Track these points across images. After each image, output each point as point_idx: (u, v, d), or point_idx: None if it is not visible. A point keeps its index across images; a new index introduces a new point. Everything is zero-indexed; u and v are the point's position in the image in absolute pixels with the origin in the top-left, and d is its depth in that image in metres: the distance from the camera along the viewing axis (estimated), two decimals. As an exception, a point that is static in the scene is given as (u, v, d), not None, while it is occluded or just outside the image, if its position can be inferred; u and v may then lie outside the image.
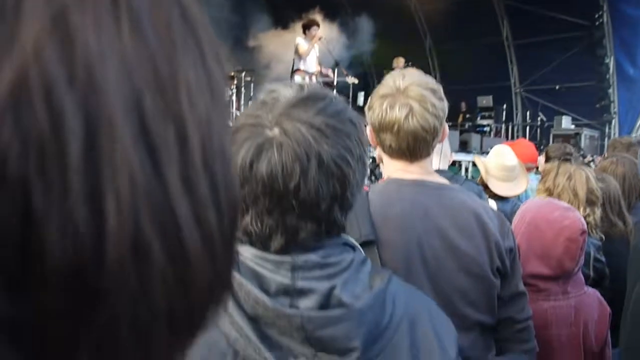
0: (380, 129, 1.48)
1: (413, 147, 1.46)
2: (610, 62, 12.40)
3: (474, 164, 9.07)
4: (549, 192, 2.42)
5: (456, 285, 1.44)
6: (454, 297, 1.44)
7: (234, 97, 10.70)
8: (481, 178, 3.30)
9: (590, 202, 2.38)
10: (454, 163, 8.81)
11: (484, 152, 10.04)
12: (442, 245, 1.44)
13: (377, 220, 1.44)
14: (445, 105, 1.52)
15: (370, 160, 4.57)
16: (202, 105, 0.23)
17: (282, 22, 12.31)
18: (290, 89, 0.84)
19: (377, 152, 1.63)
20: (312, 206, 0.80)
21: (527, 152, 3.77)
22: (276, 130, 0.78)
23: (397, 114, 1.43)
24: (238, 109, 10.78)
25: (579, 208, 2.31)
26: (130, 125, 0.20)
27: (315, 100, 0.81)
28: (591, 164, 9.52)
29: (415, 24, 15.39)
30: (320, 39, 8.23)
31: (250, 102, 11.29)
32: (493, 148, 3.50)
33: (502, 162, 3.29)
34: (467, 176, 8.62)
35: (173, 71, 0.22)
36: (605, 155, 3.99)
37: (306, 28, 8.32)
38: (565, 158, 3.78)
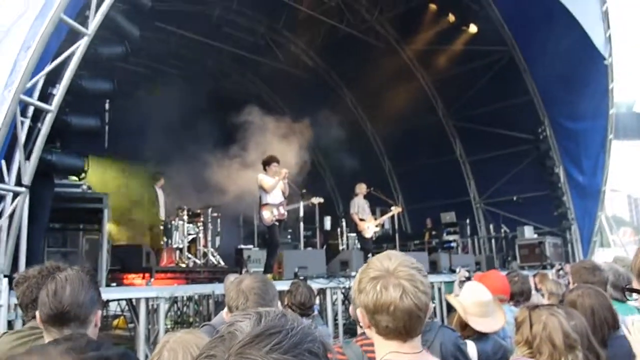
0: (376, 310, 1.51)
1: (409, 326, 1.50)
2: (560, 171, 13.04)
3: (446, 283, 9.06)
4: (529, 345, 2.38)
5: None
6: None
7: (200, 234, 10.63)
8: (457, 320, 3.26)
9: (569, 347, 2.34)
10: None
11: (453, 270, 10.08)
12: None
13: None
14: (429, 282, 1.57)
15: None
16: None
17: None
18: (247, 321, 0.84)
19: (357, 313, 1.63)
20: None
21: (498, 285, 3.78)
22: None
23: (392, 294, 1.48)
24: (205, 245, 10.68)
25: (560, 358, 2.27)
26: None
27: (270, 335, 0.81)
28: (561, 271, 9.65)
29: (374, 148, 16.07)
30: (285, 175, 8.39)
31: (217, 238, 11.28)
32: (465, 286, 3.50)
33: (478, 299, 3.27)
34: (440, 296, 8.55)
35: None
36: (570, 281, 3.98)
37: (266, 164, 8.52)
38: (526, 298, 3.79)
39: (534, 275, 6.95)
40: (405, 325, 1.49)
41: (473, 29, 12.61)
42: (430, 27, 13.04)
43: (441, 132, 14.78)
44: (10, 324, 4.88)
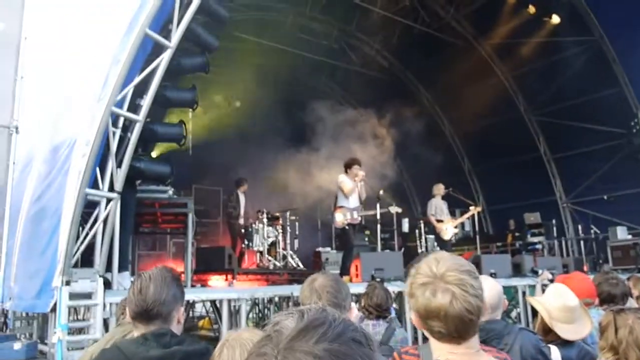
0: (427, 316, 1.53)
1: (461, 330, 1.50)
2: (657, 166, 12.16)
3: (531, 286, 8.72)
4: (614, 351, 2.26)
5: None
6: None
7: (279, 237, 10.87)
8: (540, 324, 3.14)
9: None
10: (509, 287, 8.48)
11: (536, 272, 9.65)
12: None
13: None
14: (481, 283, 1.56)
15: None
16: None
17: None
18: (291, 319, 0.87)
19: (412, 316, 1.66)
20: None
21: (583, 287, 3.59)
22: None
23: (441, 300, 1.49)
24: (284, 248, 10.90)
25: None
26: None
27: (315, 328, 0.84)
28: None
29: (452, 148, 15.75)
30: (362, 177, 8.39)
31: (295, 240, 11.50)
32: (550, 288, 3.36)
33: (564, 304, 3.12)
34: (524, 301, 8.24)
35: None
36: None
37: (348, 167, 8.54)
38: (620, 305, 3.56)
39: (628, 279, 6.54)
40: (457, 329, 1.50)
41: (555, 19, 12.07)
42: (508, 20, 12.62)
43: (523, 128, 14.22)
44: (105, 322, 5.25)
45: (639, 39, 10.90)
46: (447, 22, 13.48)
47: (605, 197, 12.49)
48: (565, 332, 3.05)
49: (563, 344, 3.02)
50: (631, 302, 4.79)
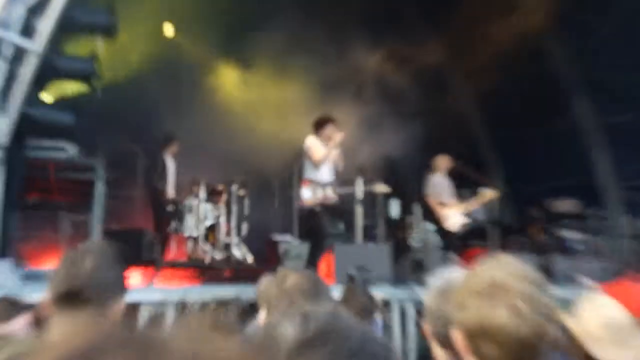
0: (478, 335, 1.59)
1: (520, 359, 1.57)
2: None
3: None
4: None
5: None
6: None
7: (222, 219, 10.82)
8: (578, 350, 3.28)
9: None
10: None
11: (574, 280, 9.89)
12: None
13: None
14: (552, 299, 1.64)
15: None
16: None
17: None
18: (292, 326, 0.87)
19: (454, 334, 1.69)
20: None
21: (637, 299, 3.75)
22: None
23: (502, 316, 1.55)
24: (228, 234, 10.89)
25: None
26: None
27: (325, 342, 0.83)
28: None
29: (463, 108, 15.91)
30: (340, 141, 8.27)
31: (243, 224, 11.52)
32: (587, 300, 3.51)
33: (608, 320, 3.26)
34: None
35: None
36: None
37: (318, 126, 8.42)
38: None
39: None
40: (515, 357, 1.56)
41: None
42: None
43: (558, 86, 14.38)
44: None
45: None
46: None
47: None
48: (611, 354, 3.19)
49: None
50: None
